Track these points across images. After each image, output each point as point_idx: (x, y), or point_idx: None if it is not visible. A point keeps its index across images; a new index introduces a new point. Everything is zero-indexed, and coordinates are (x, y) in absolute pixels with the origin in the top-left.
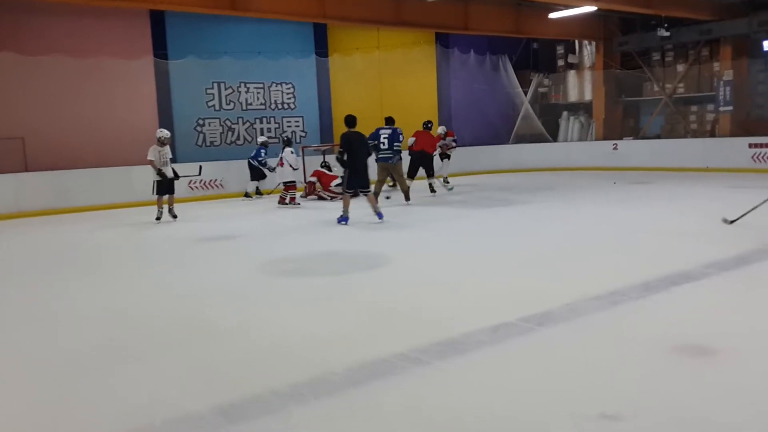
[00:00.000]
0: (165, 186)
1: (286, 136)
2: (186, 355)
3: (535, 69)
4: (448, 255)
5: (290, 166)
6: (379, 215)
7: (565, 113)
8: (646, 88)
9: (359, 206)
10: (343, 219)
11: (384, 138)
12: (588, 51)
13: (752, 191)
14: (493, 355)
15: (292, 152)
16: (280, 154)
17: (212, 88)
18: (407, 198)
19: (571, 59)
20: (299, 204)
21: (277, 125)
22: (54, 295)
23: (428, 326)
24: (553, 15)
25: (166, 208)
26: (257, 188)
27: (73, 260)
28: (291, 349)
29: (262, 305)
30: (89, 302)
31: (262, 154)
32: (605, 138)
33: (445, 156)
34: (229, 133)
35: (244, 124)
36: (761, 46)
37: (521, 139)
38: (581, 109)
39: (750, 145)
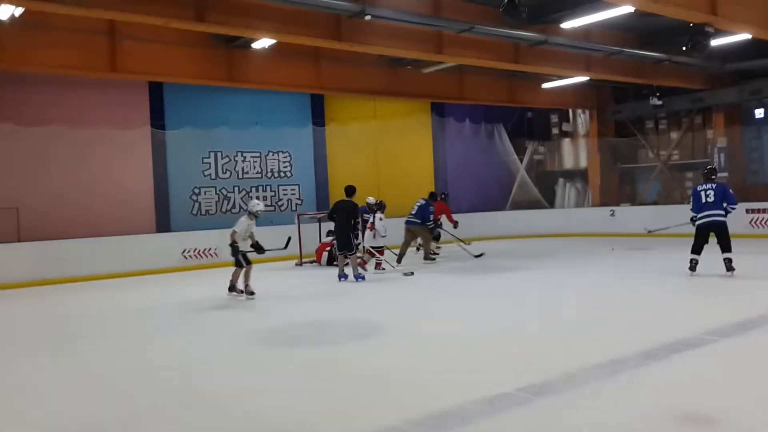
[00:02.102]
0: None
1: (379, 201)
2: (166, 429)
3: (530, 137)
4: (445, 323)
5: (379, 231)
6: (356, 277)
7: (561, 180)
8: (641, 155)
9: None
10: (358, 277)
11: (417, 206)
12: (582, 119)
13: (751, 256)
14: (489, 427)
15: (381, 218)
16: (370, 219)
17: (209, 157)
18: (426, 257)
19: (566, 127)
20: (384, 269)
21: (272, 193)
22: (40, 366)
23: (423, 397)
24: (546, 85)
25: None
26: None
27: (59, 331)
28: (276, 423)
29: (248, 376)
30: (74, 373)
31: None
32: (602, 204)
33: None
34: (225, 202)
35: (240, 192)
36: (753, 114)
37: (518, 206)
38: (577, 176)
39: (747, 211)
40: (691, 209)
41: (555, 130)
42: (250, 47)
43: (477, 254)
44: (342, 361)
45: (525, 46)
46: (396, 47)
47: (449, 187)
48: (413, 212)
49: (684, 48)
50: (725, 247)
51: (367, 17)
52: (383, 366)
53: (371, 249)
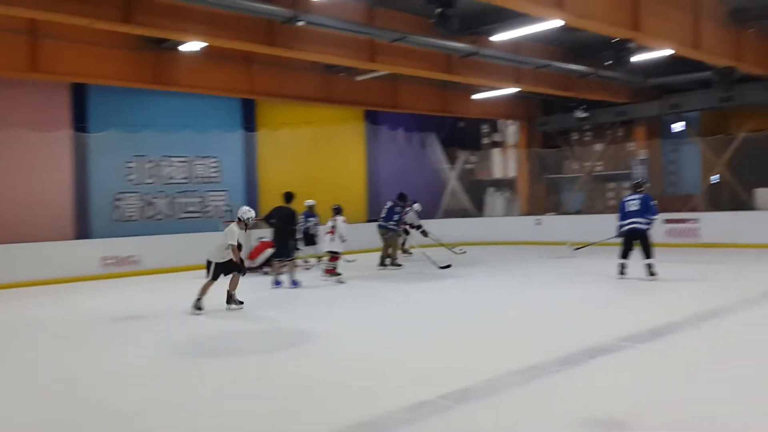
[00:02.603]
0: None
1: (337, 205)
2: None
3: (461, 146)
4: (373, 331)
5: (341, 236)
6: (293, 283)
7: (490, 189)
8: (566, 165)
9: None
10: (294, 283)
11: (385, 208)
12: (511, 130)
13: (667, 264)
14: None
15: (344, 221)
16: (330, 223)
17: (133, 161)
18: (386, 263)
19: (496, 137)
20: (341, 274)
21: (200, 199)
22: None
23: (345, 407)
24: (477, 96)
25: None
26: None
27: None
28: None
29: (170, 388)
30: None
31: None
32: (529, 213)
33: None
34: (149, 208)
35: (165, 198)
36: (672, 128)
37: (449, 214)
38: (506, 185)
39: (666, 221)
40: (619, 219)
41: (486, 140)
42: (179, 50)
43: (443, 266)
44: (267, 370)
45: (457, 57)
46: (329, 54)
47: (382, 195)
48: (383, 214)
49: (608, 62)
50: (646, 253)
51: (300, 23)
52: (309, 376)
53: (329, 253)
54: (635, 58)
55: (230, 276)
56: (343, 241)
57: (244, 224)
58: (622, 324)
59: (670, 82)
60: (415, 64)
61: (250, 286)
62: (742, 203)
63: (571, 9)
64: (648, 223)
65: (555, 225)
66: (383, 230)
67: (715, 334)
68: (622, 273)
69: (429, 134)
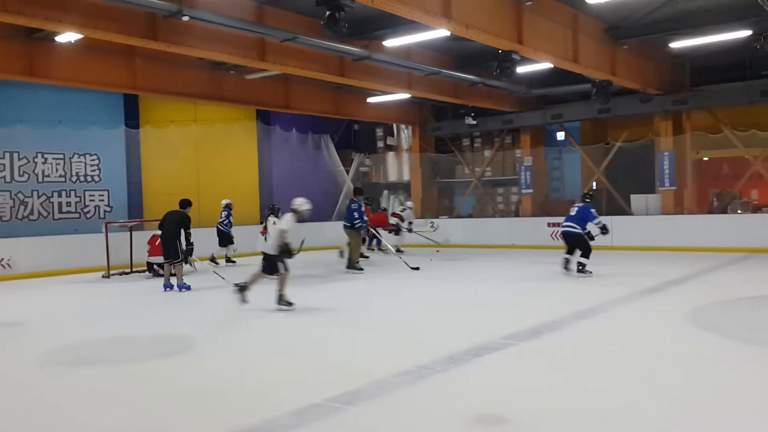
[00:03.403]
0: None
1: (272, 204)
2: None
3: (356, 149)
4: (259, 336)
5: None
6: (180, 287)
7: (385, 192)
8: (458, 170)
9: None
10: (181, 287)
11: (347, 208)
12: (406, 134)
13: (550, 266)
14: None
15: (275, 223)
16: (264, 222)
17: (3, 158)
18: (349, 266)
19: (390, 141)
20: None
21: (77, 199)
22: None
23: (231, 413)
24: (371, 99)
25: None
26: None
27: None
28: None
29: (44, 399)
30: None
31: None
32: (422, 216)
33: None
34: (22, 207)
35: (39, 197)
36: (555, 136)
37: (343, 217)
38: (401, 188)
39: (548, 224)
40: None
41: (380, 144)
42: (54, 40)
43: (413, 267)
44: (147, 378)
45: (350, 60)
46: (217, 51)
47: (274, 196)
48: (345, 215)
49: (494, 72)
50: (582, 253)
51: (185, 18)
52: (191, 383)
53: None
54: (519, 69)
55: (276, 276)
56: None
57: (299, 216)
58: (506, 323)
59: (552, 93)
60: (308, 66)
61: (139, 289)
62: (619, 208)
63: (458, 19)
64: (582, 228)
65: (448, 228)
66: (346, 230)
67: (594, 331)
68: (565, 268)
69: (323, 136)
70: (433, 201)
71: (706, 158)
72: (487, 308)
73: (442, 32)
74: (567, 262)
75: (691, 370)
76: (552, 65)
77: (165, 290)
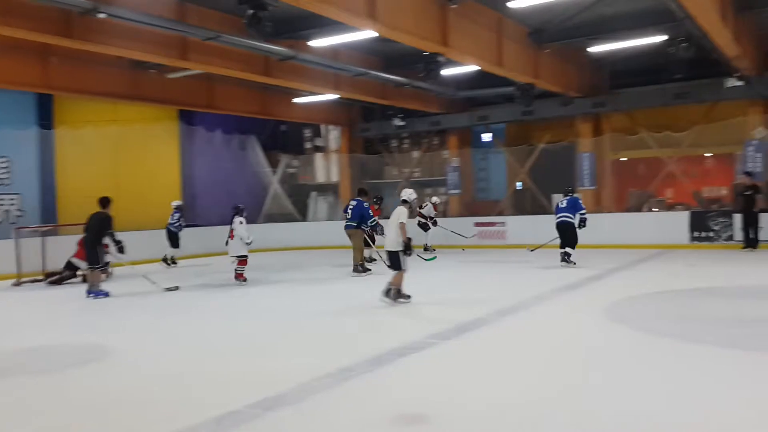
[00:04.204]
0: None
1: (237, 205)
2: None
3: (283, 150)
4: (179, 342)
5: (242, 237)
6: (96, 294)
7: (313, 194)
8: (387, 171)
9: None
10: (98, 293)
11: (350, 209)
12: (334, 135)
13: (477, 264)
14: None
15: (242, 222)
16: (231, 226)
17: None
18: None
19: (319, 142)
20: (246, 280)
21: None
22: None
23: (147, 424)
24: (297, 100)
25: None
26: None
27: None
28: None
29: None
30: None
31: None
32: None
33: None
34: None
35: None
36: (481, 138)
37: (271, 219)
38: (329, 189)
39: (475, 224)
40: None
41: (308, 145)
42: None
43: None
44: (68, 387)
45: (275, 59)
46: (136, 49)
47: (198, 199)
48: (349, 215)
49: (421, 74)
50: (567, 242)
51: (101, 15)
52: (106, 393)
53: (238, 258)
54: (445, 72)
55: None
56: (248, 243)
57: (410, 206)
58: (430, 323)
59: (478, 96)
60: (231, 65)
61: (38, 300)
62: (542, 208)
63: (383, 21)
64: (580, 220)
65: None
66: (352, 230)
67: (516, 327)
68: (563, 260)
69: (249, 137)
70: None
71: (623, 159)
72: (413, 307)
73: (368, 33)
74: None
75: (605, 363)
76: (478, 68)
77: (88, 296)
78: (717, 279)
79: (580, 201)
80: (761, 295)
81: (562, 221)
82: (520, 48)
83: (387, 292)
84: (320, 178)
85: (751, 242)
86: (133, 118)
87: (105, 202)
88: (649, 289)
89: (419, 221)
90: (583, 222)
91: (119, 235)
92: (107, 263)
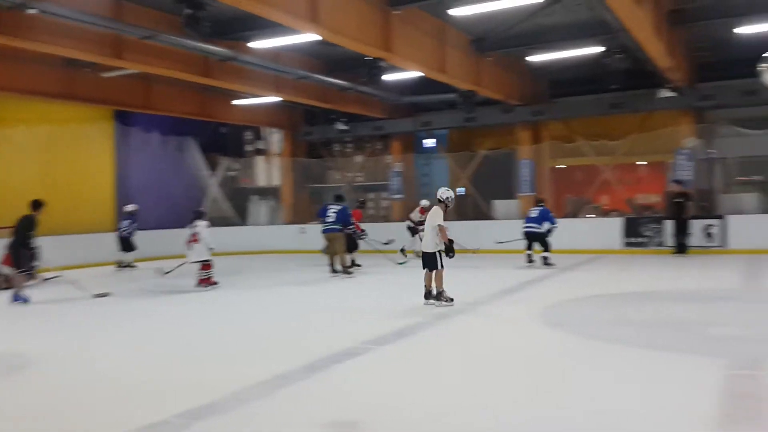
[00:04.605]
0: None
1: (198, 209)
2: None
3: (223, 153)
4: (102, 352)
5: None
6: (16, 298)
7: (254, 197)
8: (330, 175)
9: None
10: (17, 298)
11: (333, 212)
12: (276, 138)
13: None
14: None
15: (207, 226)
16: (193, 230)
17: None
18: (339, 270)
19: (260, 145)
20: (217, 283)
21: None
22: None
23: None
24: (236, 102)
25: None
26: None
27: None
28: None
29: None
30: None
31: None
32: (293, 222)
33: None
34: None
35: None
36: (424, 143)
37: (210, 223)
38: (270, 193)
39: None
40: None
41: (249, 147)
42: None
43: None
44: None
45: (215, 60)
46: (68, 47)
47: (133, 201)
48: (329, 219)
49: (363, 79)
50: (545, 249)
51: (32, 11)
52: (27, 404)
53: (201, 262)
54: (388, 77)
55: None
56: (210, 248)
57: (445, 205)
58: (369, 328)
59: (422, 101)
60: (169, 65)
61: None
62: (483, 213)
63: (326, 24)
64: (543, 227)
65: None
66: (333, 233)
67: (452, 332)
68: (528, 261)
69: (187, 138)
70: (304, 206)
71: (562, 166)
72: (353, 313)
73: (310, 36)
74: (529, 257)
75: (538, 368)
76: (421, 74)
77: (14, 302)
78: (648, 283)
79: (551, 213)
80: (689, 299)
81: (529, 231)
82: (463, 55)
83: (428, 295)
84: (261, 181)
85: (680, 248)
86: (67, 117)
87: (36, 204)
88: (584, 293)
89: (408, 225)
90: (550, 232)
91: (41, 240)
92: (32, 267)
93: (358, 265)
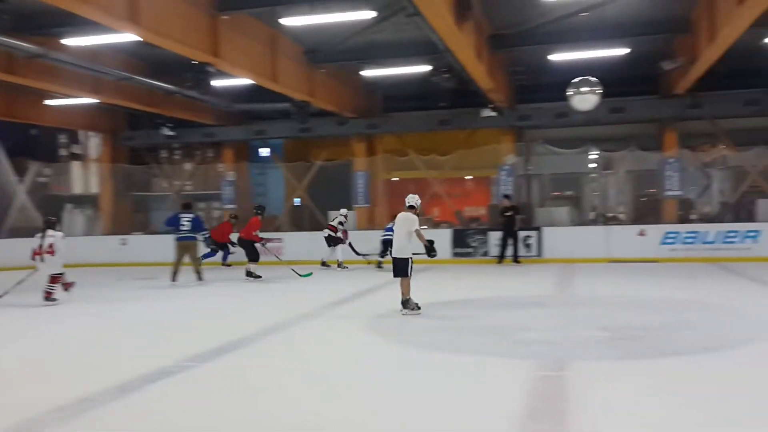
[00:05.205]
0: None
1: (48, 217)
2: None
3: (33, 157)
4: None
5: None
6: None
7: (68, 206)
8: (155, 183)
9: None
10: None
11: (186, 221)
12: (94, 142)
13: (244, 283)
14: None
15: (63, 237)
16: (45, 240)
17: None
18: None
19: (76, 149)
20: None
21: None
22: None
23: None
24: (49, 102)
25: None
26: None
27: None
28: None
29: None
30: None
31: None
32: (114, 233)
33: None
34: None
35: None
36: (258, 152)
37: (16, 233)
38: (87, 201)
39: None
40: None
41: (64, 152)
42: None
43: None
44: None
45: (21, 56)
46: None
47: None
48: (185, 227)
49: (189, 83)
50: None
51: None
52: None
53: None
54: (217, 83)
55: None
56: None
57: (416, 211)
58: (192, 344)
59: (255, 109)
60: None
61: None
62: (319, 224)
63: (147, 25)
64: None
65: (142, 245)
66: (188, 242)
67: (276, 346)
68: (378, 267)
69: None
70: (125, 216)
71: (395, 179)
72: (176, 330)
73: (129, 36)
74: (380, 263)
75: (361, 373)
76: (253, 82)
77: None
78: (470, 291)
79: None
80: (506, 305)
81: (387, 239)
82: (296, 65)
83: (405, 303)
84: (77, 188)
85: (514, 258)
86: None
87: None
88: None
89: (328, 234)
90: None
91: None
92: None
93: (259, 276)
